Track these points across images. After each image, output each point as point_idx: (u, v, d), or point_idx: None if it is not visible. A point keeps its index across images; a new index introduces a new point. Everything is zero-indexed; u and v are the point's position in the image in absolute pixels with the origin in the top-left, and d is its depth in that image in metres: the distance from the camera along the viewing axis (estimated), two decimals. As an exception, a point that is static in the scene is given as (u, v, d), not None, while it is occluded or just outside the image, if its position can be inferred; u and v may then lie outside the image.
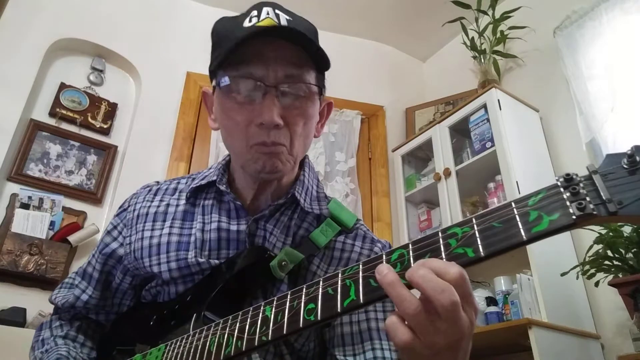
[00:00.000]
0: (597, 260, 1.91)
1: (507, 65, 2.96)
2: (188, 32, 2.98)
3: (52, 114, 2.59)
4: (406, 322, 0.48)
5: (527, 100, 2.62)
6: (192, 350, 0.68)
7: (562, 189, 0.45)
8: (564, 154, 2.50)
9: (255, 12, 0.76)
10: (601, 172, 0.44)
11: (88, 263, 0.94)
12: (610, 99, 2.27)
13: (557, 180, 0.46)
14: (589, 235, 1.92)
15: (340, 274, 0.56)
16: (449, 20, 2.98)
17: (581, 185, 0.45)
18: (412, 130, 3.24)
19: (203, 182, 0.88)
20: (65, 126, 2.61)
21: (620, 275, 1.87)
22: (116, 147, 2.70)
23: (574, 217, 0.43)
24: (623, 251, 1.87)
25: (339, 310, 0.53)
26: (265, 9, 0.76)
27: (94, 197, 2.54)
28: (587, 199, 0.43)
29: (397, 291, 0.48)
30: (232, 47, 0.70)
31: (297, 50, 0.74)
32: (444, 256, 0.49)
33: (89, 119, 2.65)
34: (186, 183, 0.94)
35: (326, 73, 0.81)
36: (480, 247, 0.47)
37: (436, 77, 3.56)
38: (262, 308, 0.62)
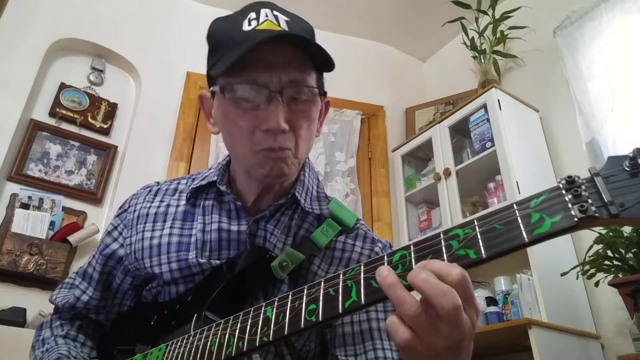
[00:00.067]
0: (597, 260, 1.91)
1: (507, 65, 2.96)
2: (188, 32, 2.97)
3: (52, 114, 2.59)
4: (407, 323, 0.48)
5: (527, 100, 2.63)
6: (192, 351, 0.68)
7: (564, 191, 0.45)
8: (564, 154, 2.50)
9: (253, 15, 0.75)
10: (603, 174, 0.45)
11: (88, 264, 0.94)
12: (610, 99, 2.27)
13: (559, 182, 0.46)
14: (589, 235, 1.92)
15: (341, 275, 0.56)
16: (449, 20, 2.98)
17: (583, 187, 0.45)
18: (412, 130, 3.24)
19: (203, 182, 0.88)
20: (65, 126, 2.61)
21: (620, 275, 1.87)
22: (116, 147, 2.70)
23: (575, 219, 0.43)
24: (623, 251, 1.87)
25: (340, 311, 0.53)
26: (263, 11, 0.75)
27: (94, 197, 2.54)
28: (589, 201, 0.43)
29: (397, 293, 0.48)
30: (239, 56, 0.68)
31: (300, 53, 0.73)
32: (445, 258, 0.49)
33: (89, 119, 2.65)
34: (186, 183, 0.93)
35: (326, 73, 0.81)
36: (482, 248, 0.47)
37: (436, 77, 3.56)
38: (263, 308, 0.62)
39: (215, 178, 0.87)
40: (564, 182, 0.46)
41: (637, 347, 1.80)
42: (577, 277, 1.97)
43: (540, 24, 2.74)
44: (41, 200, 2.38)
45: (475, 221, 0.49)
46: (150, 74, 2.86)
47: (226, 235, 0.83)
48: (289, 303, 0.59)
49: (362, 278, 0.53)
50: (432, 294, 0.46)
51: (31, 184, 2.41)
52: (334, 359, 0.80)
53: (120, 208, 0.97)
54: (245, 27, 0.74)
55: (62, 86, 2.65)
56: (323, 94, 0.79)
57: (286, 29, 0.75)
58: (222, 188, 0.85)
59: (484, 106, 2.55)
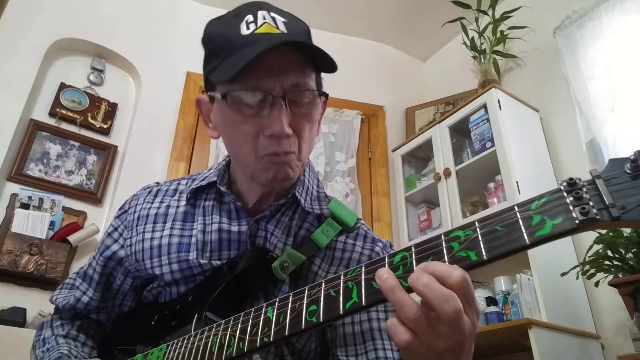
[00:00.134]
0: (597, 260, 1.91)
1: (507, 65, 2.96)
2: (188, 32, 2.97)
3: (52, 114, 2.58)
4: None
5: (527, 100, 2.63)
6: (193, 351, 0.68)
7: (565, 193, 0.46)
8: (564, 154, 2.51)
9: (250, 17, 0.74)
10: (604, 176, 0.45)
11: (89, 265, 0.95)
12: (610, 99, 2.27)
13: (560, 184, 0.46)
14: (589, 235, 1.92)
15: (342, 276, 0.56)
16: (449, 20, 2.98)
17: (584, 189, 0.45)
18: (412, 130, 3.24)
19: (203, 182, 0.88)
20: (65, 126, 2.61)
21: (620, 275, 1.87)
22: (116, 147, 2.70)
23: (577, 221, 0.43)
24: (623, 251, 1.87)
25: (341, 312, 0.53)
26: (260, 13, 0.74)
27: (94, 197, 2.54)
28: (590, 203, 0.43)
29: (397, 297, 0.48)
30: (245, 65, 0.67)
31: (301, 56, 0.73)
32: (446, 259, 0.49)
33: (89, 119, 2.65)
34: (186, 184, 0.94)
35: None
36: (483, 250, 0.47)
37: (436, 77, 3.56)
38: (264, 309, 0.62)
39: (215, 178, 0.87)
40: (565, 184, 0.46)
41: (637, 347, 1.80)
42: (577, 277, 1.97)
43: (540, 24, 2.74)
44: (41, 200, 2.38)
45: (477, 223, 0.49)
46: (150, 74, 2.86)
47: (227, 236, 0.83)
48: (289, 304, 0.59)
49: (363, 279, 0.54)
50: (434, 299, 0.46)
51: (31, 184, 2.41)
52: (335, 359, 0.80)
53: (120, 209, 0.97)
54: (244, 31, 0.73)
55: (62, 86, 2.65)
56: (323, 94, 0.79)
57: (285, 30, 0.74)
58: (222, 189, 0.85)
59: (484, 106, 2.55)
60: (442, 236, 0.51)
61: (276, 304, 0.61)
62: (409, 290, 0.49)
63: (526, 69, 2.85)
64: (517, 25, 2.79)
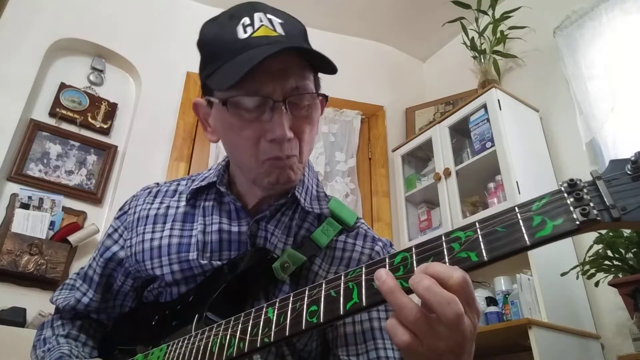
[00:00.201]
0: (597, 260, 1.91)
1: (507, 65, 2.96)
2: (188, 32, 2.92)
3: (52, 114, 2.58)
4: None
5: (527, 100, 2.63)
6: (194, 351, 0.68)
7: (565, 195, 0.46)
8: (564, 154, 2.51)
9: (247, 20, 0.73)
10: (605, 177, 0.45)
11: (89, 266, 0.95)
12: (610, 99, 2.27)
13: (561, 185, 0.46)
14: (589, 235, 1.92)
15: (343, 277, 0.56)
16: (449, 20, 2.98)
17: (585, 190, 0.45)
18: (412, 130, 3.24)
19: (203, 183, 0.88)
20: (65, 126, 2.61)
21: (620, 275, 1.87)
22: (116, 147, 2.70)
23: (577, 222, 0.44)
24: (623, 251, 1.87)
25: (341, 312, 0.53)
26: (256, 15, 0.73)
27: (94, 197, 2.54)
28: (591, 204, 0.44)
29: (396, 299, 0.48)
30: (245, 73, 0.66)
31: (299, 59, 0.73)
32: (447, 260, 0.49)
33: (89, 119, 2.65)
34: (186, 184, 0.94)
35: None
36: (483, 251, 0.47)
37: (436, 77, 3.56)
38: (264, 309, 0.62)
39: (215, 179, 0.87)
40: (565, 185, 0.46)
41: (637, 347, 1.80)
42: (577, 277, 1.97)
43: (540, 24, 2.74)
44: (41, 200, 2.38)
45: (477, 224, 0.49)
46: (150, 74, 2.86)
47: (227, 236, 0.83)
48: (290, 304, 0.59)
49: (363, 280, 0.54)
50: (435, 302, 0.46)
51: (31, 184, 2.41)
52: (335, 359, 0.80)
53: (120, 210, 0.97)
54: (241, 34, 0.72)
55: (62, 86, 2.65)
56: (323, 96, 0.78)
57: (282, 32, 0.73)
58: (222, 189, 0.85)
59: (484, 106, 2.55)
60: (443, 237, 0.51)
61: (277, 304, 0.61)
62: (410, 291, 0.49)
63: (526, 69, 2.85)
64: (517, 25, 2.79)
